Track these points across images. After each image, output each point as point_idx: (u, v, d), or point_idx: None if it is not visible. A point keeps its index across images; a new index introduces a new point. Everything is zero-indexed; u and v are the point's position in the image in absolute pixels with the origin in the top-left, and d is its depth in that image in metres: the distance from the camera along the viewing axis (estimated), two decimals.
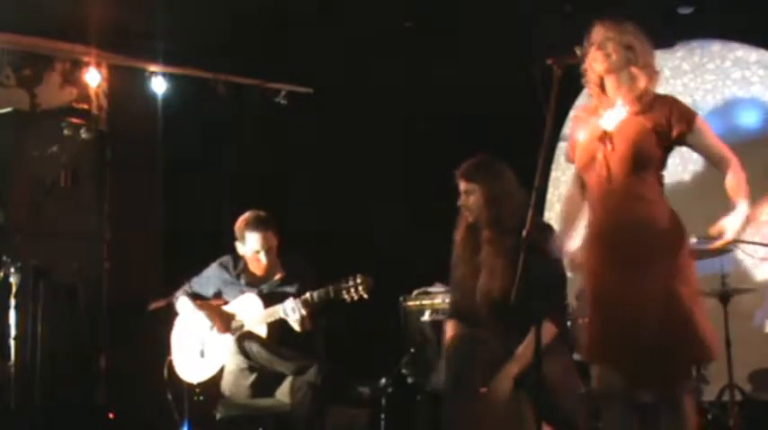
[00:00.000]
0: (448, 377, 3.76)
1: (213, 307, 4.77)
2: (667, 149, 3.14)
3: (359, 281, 4.31)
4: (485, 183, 3.89)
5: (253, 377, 4.44)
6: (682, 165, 6.34)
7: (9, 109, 5.72)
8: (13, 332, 4.76)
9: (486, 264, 3.84)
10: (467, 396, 3.67)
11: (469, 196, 3.93)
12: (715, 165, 3.15)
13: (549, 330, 3.62)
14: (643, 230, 3.02)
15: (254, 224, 4.66)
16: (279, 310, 4.47)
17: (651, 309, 2.96)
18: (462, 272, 3.95)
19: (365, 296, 4.31)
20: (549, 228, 3.81)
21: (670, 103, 3.16)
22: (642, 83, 3.12)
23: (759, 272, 5.99)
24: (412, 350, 5.06)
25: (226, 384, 4.51)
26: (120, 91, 6.66)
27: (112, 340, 5.90)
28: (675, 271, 2.98)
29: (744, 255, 5.67)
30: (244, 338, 4.45)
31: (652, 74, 3.14)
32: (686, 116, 3.12)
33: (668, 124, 3.09)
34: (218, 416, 4.50)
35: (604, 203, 3.09)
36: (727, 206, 3.07)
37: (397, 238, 6.72)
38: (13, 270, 4.75)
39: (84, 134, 5.77)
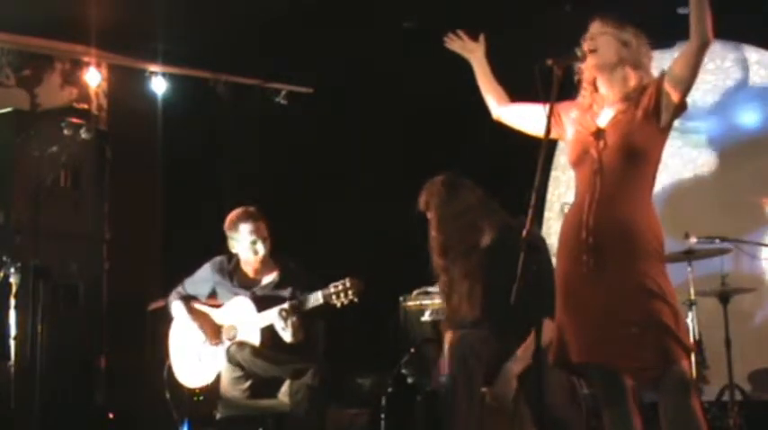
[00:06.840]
0: (448, 377, 3.76)
1: (204, 317, 4.70)
2: (664, 130, 3.07)
3: (348, 285, 4.25)
4: (435, 209, 3.98)
5: (248, 383, 4.41)
6: (682, 165, 6.34)
7: (9, 109, 5.71)
8: (13, 332, 4.76)
9: (455, 289, 3.91)
10: (467, 396, 3.67)
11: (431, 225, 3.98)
12: (688, 57, 3.08)
13: (550, 327, 3.61)
14: (622, 232, 3.00)
15: (245, 215, 4.63)
16: (271, 317, 4.41)
17: (629, 303, 2.95)
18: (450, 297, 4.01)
19: (355, 300, 4.25)
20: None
21: (652, 82, 3.12)
22: (632, 83, 3.11)
23: (759, 272, 5.99)
24: (412, 350, 5.06)
25: (224, 388, 4.48)
26: (120, 91, 6.67)
27: (112, 340, 5.89)
28: (650, 272, 2.96)
29: (744, 255, 5.68)
30: (236, 350, 4.38)
31: (644, 75, 3.13)
32: (657, 80, 3.09)
33: (651, 99, 3.06)
34: (218, 416, 4.49)
35: (592, 195, 3.06)
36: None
37: (397, 238, 6.71)
38: (13, 270, 4.75)
39: (84, 134, 5.78)
